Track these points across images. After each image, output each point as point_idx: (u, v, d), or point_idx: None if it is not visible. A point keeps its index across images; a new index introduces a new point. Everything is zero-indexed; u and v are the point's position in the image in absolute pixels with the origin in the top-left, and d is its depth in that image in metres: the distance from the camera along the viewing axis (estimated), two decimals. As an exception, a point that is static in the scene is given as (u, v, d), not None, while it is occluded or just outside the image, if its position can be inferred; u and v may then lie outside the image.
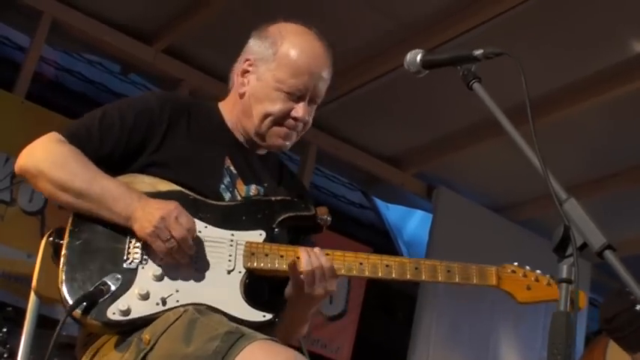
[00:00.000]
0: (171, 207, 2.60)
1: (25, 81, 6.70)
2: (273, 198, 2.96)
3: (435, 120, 7.53)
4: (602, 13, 5.99)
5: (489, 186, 8.57)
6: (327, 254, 2.78)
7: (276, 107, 2.92)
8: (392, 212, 10.33)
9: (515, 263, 2.94)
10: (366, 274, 2.80)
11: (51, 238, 2.75)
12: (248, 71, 3.04)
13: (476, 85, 2.51)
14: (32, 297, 2.95)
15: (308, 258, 2.72)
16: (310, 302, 2.82)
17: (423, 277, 2.83)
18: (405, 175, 8.54)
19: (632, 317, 3.81)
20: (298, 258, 2.73)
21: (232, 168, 2.97)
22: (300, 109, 2.92)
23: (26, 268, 5.79)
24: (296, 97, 2.93)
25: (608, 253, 2.03)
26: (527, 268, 2.95)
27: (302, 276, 2.70)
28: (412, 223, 10.34)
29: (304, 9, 6.26)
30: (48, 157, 2.67)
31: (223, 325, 2.44)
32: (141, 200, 2.62)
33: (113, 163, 2.77)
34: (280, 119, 2.93)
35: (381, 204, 10.14)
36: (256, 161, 3.07)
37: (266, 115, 2.93)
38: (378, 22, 6.21)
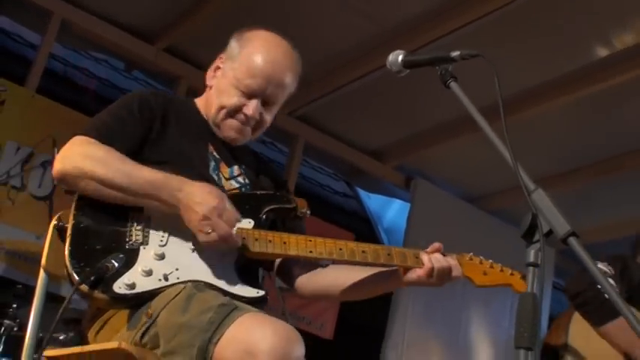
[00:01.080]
0: (214, 203, 2.59)
1: (35, 76, 6.69)
2: (259, 192, 3.00)
3: (414, 116, 7.54)
4: (569, 21, 6.01)
5: (463, 178, 8.60)
6: (310, 240, 2.80)
7: (231, 101, 2.95)
8: (373, 201, 10.33)
9: (471, 253, 3.00)
10: (345, 257, 2.81)
11: (56, 222, 2.76)
12: (219, 67, 3.09)
13: (452, 84, 2.51)
14: (41, 274, 2.94)
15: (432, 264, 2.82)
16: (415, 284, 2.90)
17: (394, 262, 2.85)
18: (385, 167, 8.57)
19: (596, 293, 3.83)
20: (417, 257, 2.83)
21: (215, 153, 3.00)
22: (250, 107, 2.94)
23: (35, 248, 5.79)
24: (249, 96, 2.95)
25: (572, 240, 2.03)
26: (482, 257, 3.01)
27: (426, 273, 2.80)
28: (391, 211, 10.34)
29: (294, 14, 6.28)
30: (87, 156, 2.63)
31: (218, 299, 2.44)
32: (183, 188, 2.61)
33: (133, 154, 2.76)
34: (232, 112, 2.96)
35: (363, 193, 10.14)
36: (235, 150, 3.10)
37: (221, 107, 2.97)
38: (363, 27, 6.22)
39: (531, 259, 2.06)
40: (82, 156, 2.64)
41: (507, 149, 2.25)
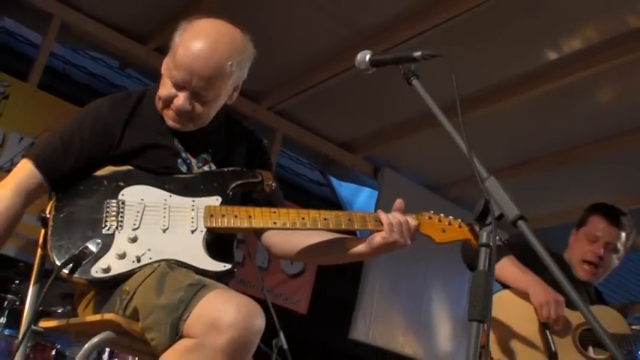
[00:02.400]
0: None
1: (37, 73, 6.66)
2: (225, 169, 2.92)
3: (382, 112, 7.54)
4: (523, 27, 6.02)
5: (426, 168, 8.61)
6: (274, 212, 2.78)
7: (164, 92, 2.82)
8: (344, 189, 10.33)
9: (432, 211, 2.98)
10: (308, 225, 2.79)
11: (39, 214, 2.74)
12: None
13: (415, 82, 2.52)
14: (39, 252, 2.94)
15: (390, 219, 2.80)
16: (384, 251, 2.86)
17: (356, 226, 2.83)
18: (355, 158, 8.56)
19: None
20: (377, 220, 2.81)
21: (180, 145, 2.90)
22: (179, 99, 2.77)
23: (36, 230, 5.76)
24: (178, 87, 2.78)
25: (520, 223, 2.04)
26: (442, 214, 3.00)
27: (387, 230, 2.77)
28: (361, 198, 10.35)
29: (275, 18, 6.26)
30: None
31: (188, 278, 2.43)
32: None
33: (79, 171, 2.73)
34: (167, 103, 2.82)
35: (335, 181, 10.14)
36: (197, 134, 2.94)
37: (159, 98, 2.85)
38: (336, 30, 6.21)
39: (484, 240, 2.07)
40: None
41: (463, 141, 2.25)
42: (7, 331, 4.93)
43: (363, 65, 2.73)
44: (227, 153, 3.04)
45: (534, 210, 7.91)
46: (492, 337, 3.70)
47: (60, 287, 5.17)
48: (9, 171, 5.97)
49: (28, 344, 4.68)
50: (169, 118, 2.85)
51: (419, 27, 6.07)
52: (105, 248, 2.53)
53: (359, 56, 2.74)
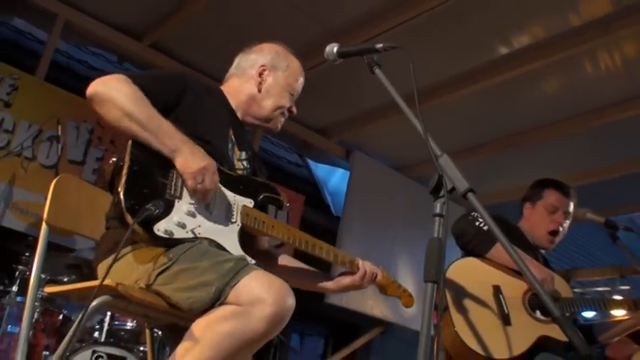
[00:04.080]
0: (212, 163, 2.63)
1: (44, 67, 6.64)
2: (259, 179, 2.99)
3: (353, 101, 7.55)
4: (477, 25, 6.03)
5: (392, 151, 8.62)
6: (289, 229, 2.93)
7: (286, 102, 3.18)
8: (320, 169, 10.37)
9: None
10: (309, 249, 2.97)
11: (114, 159, 2.68)
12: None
13: (377, 71, 2.52)
14: (44, 226, 2.94)
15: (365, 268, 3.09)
16: (346, 291, 3.15)
17: (338, 262, 3.08)
18: (329, 142, 8.56)
19: (476, 229, 3.85)
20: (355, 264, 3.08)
21: (233, 137, 2.98)
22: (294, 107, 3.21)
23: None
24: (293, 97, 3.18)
25: (470, 195, 2.06)
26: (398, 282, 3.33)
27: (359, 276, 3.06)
28: (335, 178, 10.39)
29: (255, 16, 6.24)
30: (121, 90, 2.58)
31: (233, 255, 2.52)
32: (187, 143, 2.60)
33: (161, 110, 2.70)
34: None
35: (311, 163, 10.17)
36: (242, 133, 3.11)
37: (278, 107, 3.15)
38: (311, 27, 6.21)
39: (437, 210, 2.09)
40: (116, 88, 2.59)
41: (420, 123, 2.26)
42: (18, 298, 4.91)
43: (331, 56, 2.74)
44: (254, 163, 3.14)
45: (487, 188, 7.97)
46: (449, 297, 3.72)
47: (65, 258, 5.20)
48: (19, 155, 6.04)
49: (38, 310, 4.75)
50: (279, 122, 3.22)
51: (384, 25, 6.07)
52: (166, 212, 2.52)
53: (327, 48, 2.74)
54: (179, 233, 2.53)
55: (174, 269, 2.46)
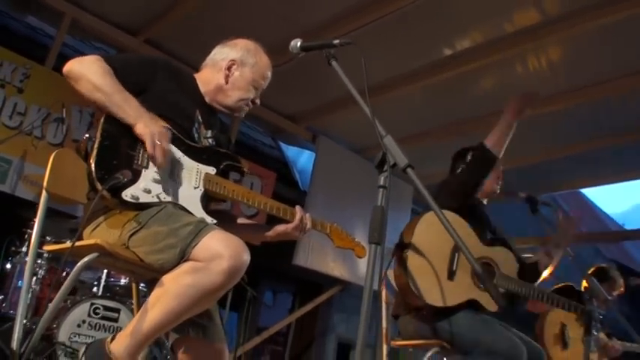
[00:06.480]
0: (165, 130, 2.61)
1: (52, 58, 6.59)
2: (222, 150, 2.95)
3: (319, 91, 7.51)
4: (426, 29, 6.03)
5: (352, 135, 8.60)
6: (248, 192, 2.89)
7: (250, 95, 3.15)
8: (290, 151, 10.36)
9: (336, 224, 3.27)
10: (261, 208, 2.94)
11: (87, 136, 2.64)
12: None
13: (333, 63, 2.51)
14: (44, 194, 2.93)
15: (302, 216, 3.02)
16: (282, 238, 3.07)
17: (281, 215, 3.01)
18: (298, 127, 8.51)
19: (460, 175, 3.94)
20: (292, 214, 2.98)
21: (200, 117, 2.94)
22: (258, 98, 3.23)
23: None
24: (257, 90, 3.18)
25: (409, 170, 2.05)
26: (348, 232, 3.29)
27: (294, 224, 2.97)
28: (303, 158, 10.39)
29: (234, 17, 6.18)
30: (92, 67, 2.57)
31: (194, 217, 2.51)
32: (147, 113, 2.59)
33: (130, 90, 2.67)
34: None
35: (283, 145, 10.17)
36: (210, 115, 3.06)
37: (242, 99, 3.11)
38: (284, 27, 6.13)
39: (381, 182, 2.09)
40: (89, 66, 2.58)
41: (368, 109, 2.25)
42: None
43: (295, 50, 2.73)
44: (220, 139, 3.08)
45: (431, 170, 7.96)
46: (413, 240, 3.68)
47: (68, 223, 5.14)
48: (30, 134, 5.97)
49: (44, 267, 4.70)
50: (243, 111, 3.16)
51: (349, 26, 6.01)
52: (134, 180, 2.52)
53: (292, 43, 2.74)
54: (145, 198, 2.52)
55: (144, 232, 2.45)
